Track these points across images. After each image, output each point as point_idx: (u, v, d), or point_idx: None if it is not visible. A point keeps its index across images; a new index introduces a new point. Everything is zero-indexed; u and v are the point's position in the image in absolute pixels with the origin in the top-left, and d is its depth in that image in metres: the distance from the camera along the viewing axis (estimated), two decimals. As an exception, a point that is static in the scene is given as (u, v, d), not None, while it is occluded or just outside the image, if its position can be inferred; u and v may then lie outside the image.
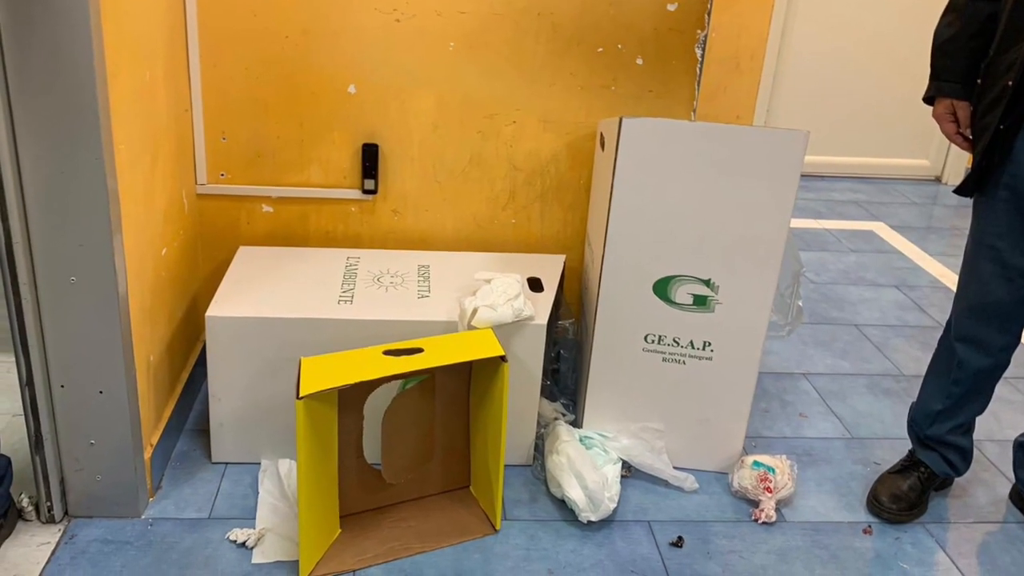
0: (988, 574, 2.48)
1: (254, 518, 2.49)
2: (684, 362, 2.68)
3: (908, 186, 6.11)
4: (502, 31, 2.86)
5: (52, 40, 1.97)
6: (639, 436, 2.76)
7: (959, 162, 6.09)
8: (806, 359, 3.61)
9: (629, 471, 2.75)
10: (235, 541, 2.40)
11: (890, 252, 4.88)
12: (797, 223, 5.08)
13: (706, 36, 2.89)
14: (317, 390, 2.16)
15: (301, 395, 2.14)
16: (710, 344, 2.65)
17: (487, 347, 2.40)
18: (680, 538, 2.51)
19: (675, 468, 2.73)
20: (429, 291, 2.74)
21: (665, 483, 2.72)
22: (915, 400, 2.74)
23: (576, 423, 2.87)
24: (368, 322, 2.57)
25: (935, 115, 2.51)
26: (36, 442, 2.33)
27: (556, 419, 2.85)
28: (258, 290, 2.68)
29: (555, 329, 2.95)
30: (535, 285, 2.80)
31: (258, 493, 2.58)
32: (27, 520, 2.41)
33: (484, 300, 2.56)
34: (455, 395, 2.54)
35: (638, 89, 2.94)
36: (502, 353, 2.36)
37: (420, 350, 2.36)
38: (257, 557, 2.36)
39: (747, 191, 2.48)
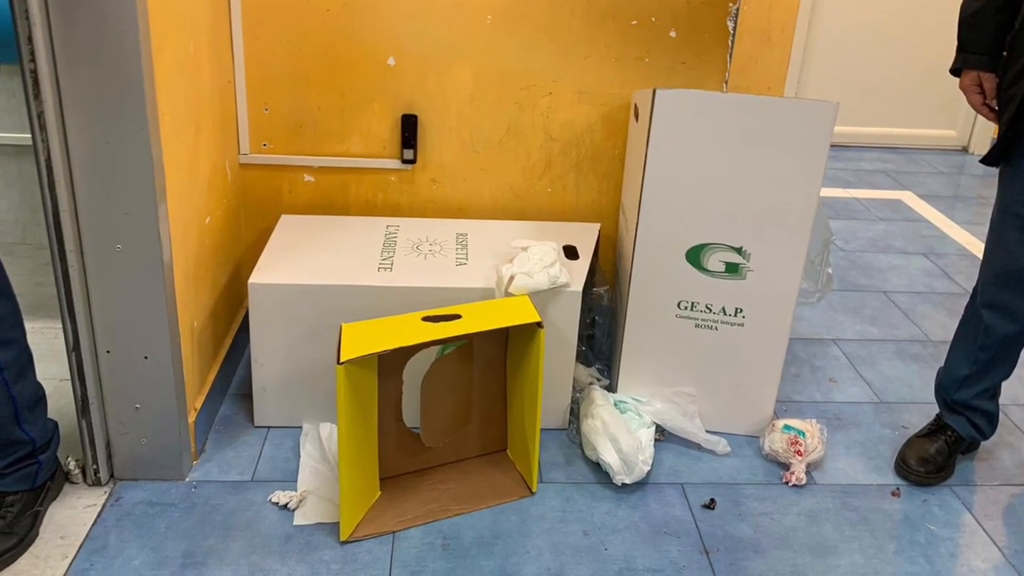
0: (1014, 535, 2.51)
1: (296, 481, 2.52)
2: (716, 328, 2.71)
3: (935, 156, 6.10)
4: (538, 4, 2.87)
5: (99, 13, 1.99)
6: (672, 400, 2.78)
7: (985, 132, 6.08)
8: (836, 325, 3.63)
9: (662, 435, 2.77)
10: (277, 503, 2.43)
11: (918, 220, 4.88)
12: (827, 192, 5.08)
13: (738, 9, 2.90)
14: (358, 355, 2.18)
15: (342, 360, 2.16)
16: (742, 311, 2.68)
17: (524, 313, 2.42)
18: (712, 500, 2.54)
19: (707, 432, 2.75)
20: (467, 259, 2.76)
21: (698, 446, 2.75)
22: (942, 365, 2.75)
23: (610, 388, 2.89)
24: (407, 289, 2.59)
25: (962, 87, 2.51)
26: (82, 406, 2.37)
27: (591, 384, 2.88)
28: (299, 258, 2.70)
29: (590, 296, 2.97)
30: (571, 253, 2.83)
31: (300, 456, 2.61)
32: (74, 483, 2.45)
33: (521, 267, 2.59)
34: (492, 360, 2.56)
35: (671, 61, 2.96)
36: (538, 319, 2.38)
37: (458, 316, 2.38)
38: (299, 519, 2.39)
39: (778, 161, 2.50)
